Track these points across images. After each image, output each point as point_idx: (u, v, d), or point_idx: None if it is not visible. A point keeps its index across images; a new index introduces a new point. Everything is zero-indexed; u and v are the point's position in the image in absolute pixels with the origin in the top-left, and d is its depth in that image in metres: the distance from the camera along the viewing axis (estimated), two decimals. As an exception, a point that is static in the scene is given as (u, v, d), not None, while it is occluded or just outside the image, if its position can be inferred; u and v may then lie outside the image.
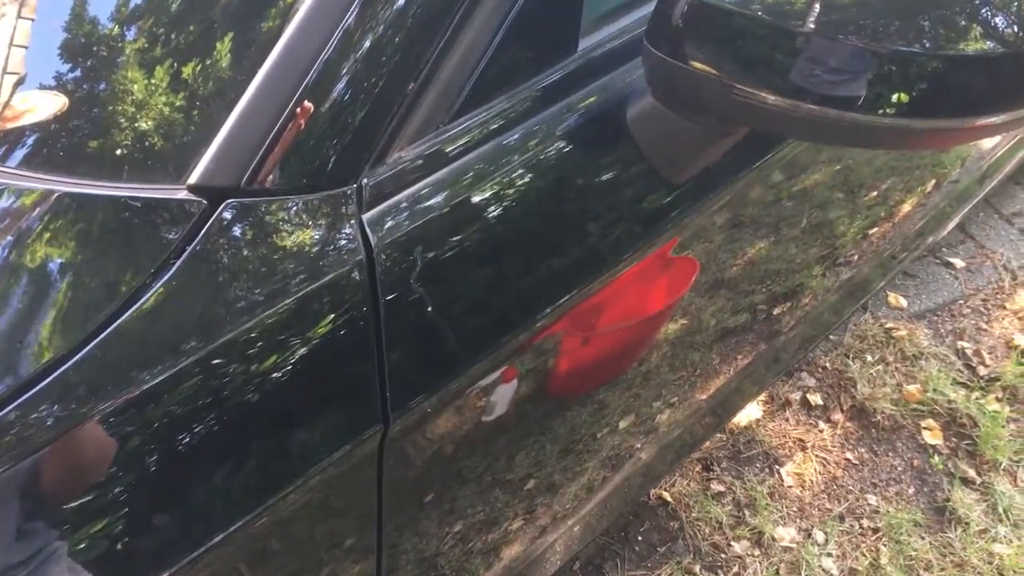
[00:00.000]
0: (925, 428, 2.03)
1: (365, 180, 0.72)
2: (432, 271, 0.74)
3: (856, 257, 1.46)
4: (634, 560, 1.81)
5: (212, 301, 0.63)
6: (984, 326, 2.25)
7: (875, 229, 1.43)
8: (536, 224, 0.80)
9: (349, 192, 0.71)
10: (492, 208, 0.77)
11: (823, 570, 1.79)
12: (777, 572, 1.79)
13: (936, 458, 1.98)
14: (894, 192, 1.41)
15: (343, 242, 0.69)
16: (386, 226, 0.72)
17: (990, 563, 1.79)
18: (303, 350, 0.66)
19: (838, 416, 2.05)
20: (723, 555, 1.81)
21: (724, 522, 1.85)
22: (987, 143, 1.70)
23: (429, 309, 0.73)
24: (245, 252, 0.66)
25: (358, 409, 0.71)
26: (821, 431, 2.03)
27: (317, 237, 0.68)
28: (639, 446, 1.21)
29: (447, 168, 0.76)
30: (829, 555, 1.82)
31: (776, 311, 1.31)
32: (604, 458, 1.15)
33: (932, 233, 1.86)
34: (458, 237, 0.75)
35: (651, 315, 1.04)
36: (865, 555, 1.82)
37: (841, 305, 1.60)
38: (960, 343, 2.20)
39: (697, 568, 1.79)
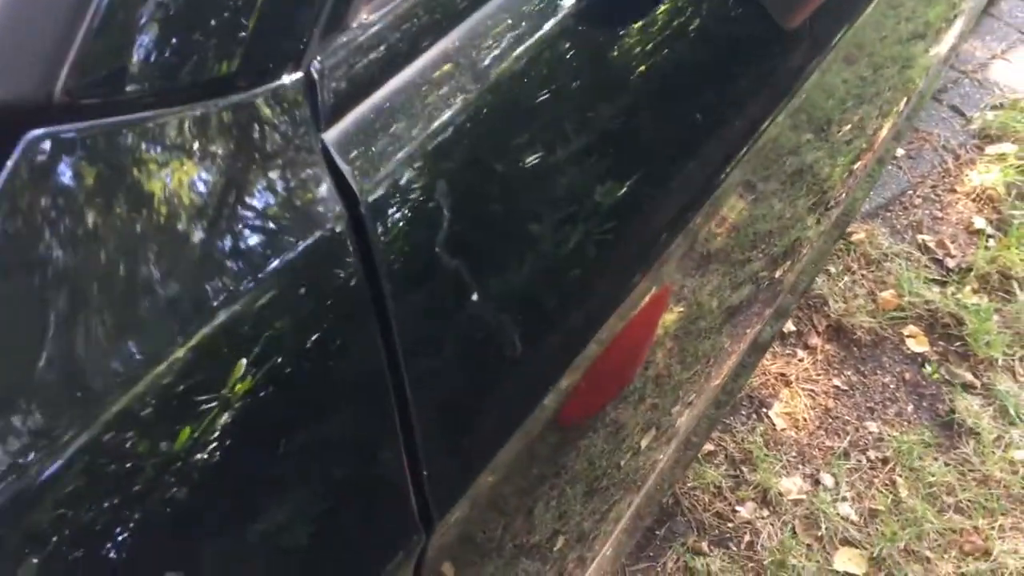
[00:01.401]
0: (908, 336, 1.86)
1: (317, 65, 0.42)
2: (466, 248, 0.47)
3: (844, 195, 1.27)
4: (633, 552, 1.57)
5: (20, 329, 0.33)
6: (939, 214, 2.10)
7: (859, 163, 1.25)
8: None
9: (288, 90, 0.41)
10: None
11: (842, 517, 1.61)
12: (793, 530, 1.60)
13: (928, 367, 1.82)
14: (870, 120, 1.22)
15: (299, 190, 0.40)
16: (370, 151, 0.45)
17: (1014, 472, 1.64)
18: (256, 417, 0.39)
19: (815, 340, 1.86)
20: (729, 523, 1.60)
21: (723, 485, 1.64)
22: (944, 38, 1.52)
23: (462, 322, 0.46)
24: (68, 227, 0.35)
25: (391, 520, 0.45)
26: (801, 360, 1.84)
27: (216, 180, 0.39)
28: (662, 457, 0.96)
29: (460, 28, 0.48)
30: (844, 499, 1.63)
31: (778, 273, 1.09)
32: (629, 483, 0.90)
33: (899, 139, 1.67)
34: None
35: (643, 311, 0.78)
36: (881, 491, 1.64)
37: (831, 239, 1.40)
38: (920, 236, 2.04)
39: (704, 545, 1.58)
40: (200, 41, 0.38)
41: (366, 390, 0.43)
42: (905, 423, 1.74)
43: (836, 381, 1.81)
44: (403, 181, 0.45)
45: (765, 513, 1.62)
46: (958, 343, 1.84)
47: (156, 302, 0.35)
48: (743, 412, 1.75)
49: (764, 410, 1.76)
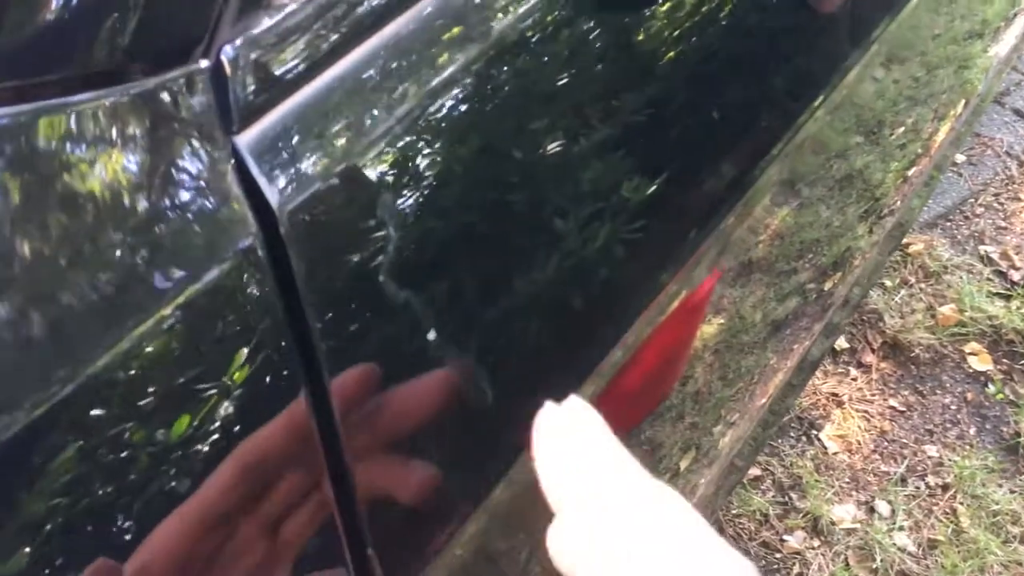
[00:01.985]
0: (971, 353, 1.76)
1: (229, 52, 0.36)
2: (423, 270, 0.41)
3: (899, 203, 1.19)
4: (675, 582, 1.50)
5: None
6: (1003, 223, 1.99)
7: (915, 168, 1.17)
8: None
9: (192, 81, 0.35)
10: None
11: (898, 548, 1.51)
12: (845, 562, 1.51)
13: (991, 386, 1.71)
14: (925, 123, 1.15)
15: (202, 204, 0.34)
16: (293, 157, 0.38)
17: (1088, 502, 1.54)
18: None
19: (870, 358, 1.77)
20: (777, 554, 1.52)
21: (770, 513, 1.56)
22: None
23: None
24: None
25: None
26: (855, 379, 1.74)
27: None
28: (703, 480, 0.90)
29: (417, 7, 0.42)
30: (900, 529, 1.54)
31: (827, 285, 1.02)
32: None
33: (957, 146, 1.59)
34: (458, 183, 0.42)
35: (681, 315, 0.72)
36: (941, 520, 1.54)
37: (886, 250, 1.32)
38: (983, 248, 1.93)
39: (750, 576, 1.49)
40: (79, 20, 0.32)
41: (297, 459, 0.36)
42: (967, 447, 1.64)
43: (892, 401, 1.71)
44: (335, 194, 0.37)
45: (816, 543, 1.53)
46: (1023, 361, 1.73)
47: (28, 331, 0.29)
48: (792, 434, 1.67)
49: (815, 432, 1.67)
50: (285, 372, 0.35)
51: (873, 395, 1.72)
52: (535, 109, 0.46)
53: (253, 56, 0.36)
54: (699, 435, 0.82)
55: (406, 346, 0.40)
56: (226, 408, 0.33)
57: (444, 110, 0.41)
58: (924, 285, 1.86)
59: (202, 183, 0.34)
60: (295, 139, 0.37)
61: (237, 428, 0.33)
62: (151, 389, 0.31)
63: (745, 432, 0.96)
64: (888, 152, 1.03)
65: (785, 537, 1.54)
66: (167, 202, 0.33)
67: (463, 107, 0.42)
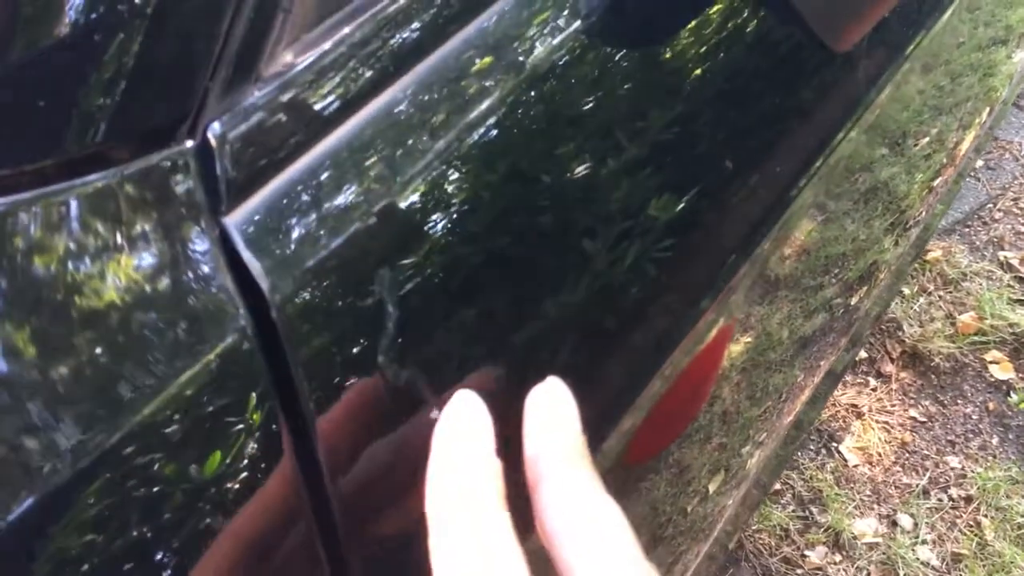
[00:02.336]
0: (992, 362, 1.74)
1: (216, 129, 0.34)
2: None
3: (924, 213, 1.17)
4: (694, 599, 1.48)
5: None
6: (1022, 228, 1.97)
7: (940, 179, 1.15)
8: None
9: (176, 162, 0.33)
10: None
11: (922, 563, 1.49)
12: (868, 577, 1.48)
13: (1014, 395, 1.69)
14: (950, 133, 1.13)
15: (189, 293, 0.32)
16: (286, 238, 0.35)
17: (1116, 514, 1.51)
18: None
19: (889, 368, 1.74)
20: (798, 570, 1.50)
21: (790, 527, 1.54)
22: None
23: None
24: None
25: None
26: (874, 390, 1.72)
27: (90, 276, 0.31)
28: (731, 501, 0.88)
29: (413, 74, 0.40)
30: (923, 542, 1.52)
31: (854, 300, 0.99)
32: (697, 531, 0.82)
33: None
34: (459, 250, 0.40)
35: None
36: (965, 533, 1.52)
37: (908, 260, 1.30)
38: (1002, 253, 1.91)
39: (771, 592, 1.47)
40: (57, 104, 0.30)
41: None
42: (990, 457, 1.62)
43: (913, 412, 1.69)
44: (332, 278, 0.35)
45: (837, 558, 1.51)
46: (1047, 370, 1.71)
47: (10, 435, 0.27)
48: (811, 447, 1.64)
49: (834, 444, 1.65)
50: (283, 487, 0.33)
51: (893, 406, 1.70)
52: (562, 166, 0.44)
53: (242, 130, 0.34)
54: (728, 456, 0.80)
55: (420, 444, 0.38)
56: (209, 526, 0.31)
57: (454, 177, 0.40)
58: (943, 293, 1.84)
59: (188, 271, 0.32)
60: (289, 218, 0.35)
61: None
62: (118, 504, 0.29)
63: (772, 450, 0.94)
64: (913, 163, 1.01)
65: (806, 552, 1.51)
66: (148, 294, 0.31)
67: (473, 173, 0.40)
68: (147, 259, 0.31)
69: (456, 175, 0.39)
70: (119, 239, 0.31)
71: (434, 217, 0.38)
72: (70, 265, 0.30)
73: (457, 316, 0.39)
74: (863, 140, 0.75)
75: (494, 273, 0.41)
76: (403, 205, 0.37)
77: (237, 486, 0.31)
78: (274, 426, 0.32)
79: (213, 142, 0.33)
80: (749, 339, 0.77)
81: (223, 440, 0.31)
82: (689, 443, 0.74)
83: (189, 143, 0.33)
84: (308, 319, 0.34)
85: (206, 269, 0.32)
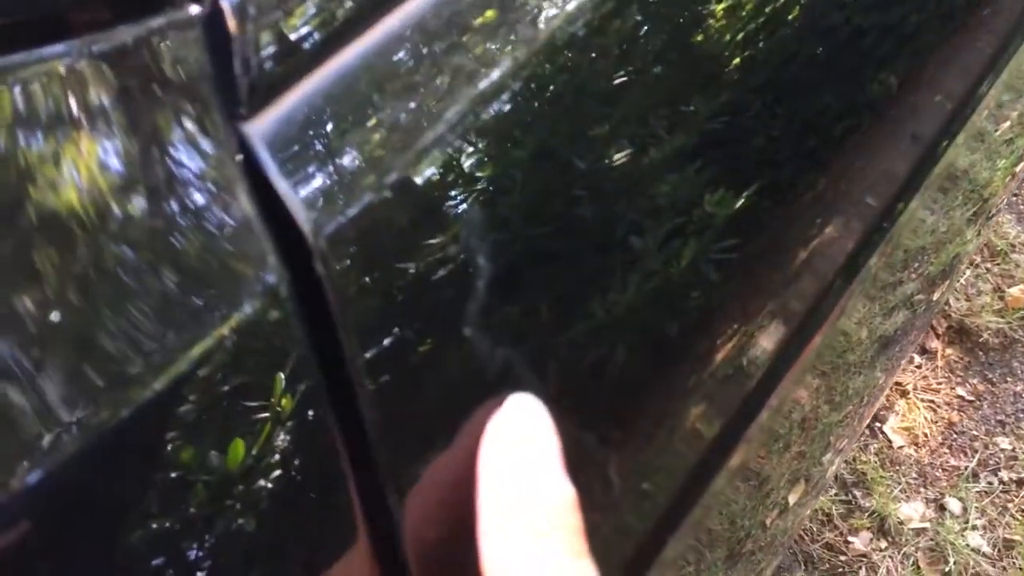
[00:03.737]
0: (1043, 338, 1.68)
1: None
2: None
3: (1005, 201, 1.11)
4: (734, 588, 1.44)
5: None
6: (1072, 195, 1.90)
7: (1022, 164, 1.09)
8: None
9: (177, 29, 0.24)
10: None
11: (972, 549, 1.45)
12: (916, 565, 1.44)
13: (1066, 373, 1.64)
14: None
15: (198, 222, 0.23)
16: (333, 158, 0.26)
17: None
18: None
19: (935, 344, 1.69)
20: (842, 556, 1.46)
21: (833, 512, 1.49)
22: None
23: None
24: None
25: None
26: (919, 367, 1.67)
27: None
28: (808, 512, 0.83)
29: None
30: (973, 528, 1.47)
31: (936, 295, 0.93)
32: (776, 544, 0.77)
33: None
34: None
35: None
36: (1017, 518, 1.47)
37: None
38: (1052, 222, 1.85)
39: (814, 580, 1.43)
40: None
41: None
42: (1042, 439, 1.57)
43: (960, 391, 1.64)
44: (393, 210, 0.27)
45: (883, 544, 1.47)
46: (1102, 346, 1.66)
47: None
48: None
49: (878, 425, 1.60)
50: (327, 472, 0.26)
51: (939, 384, 1.64)
52: (624, 96, 0.37)
53: (267, 5, 0.25)
54: (808, 465, 0.75)
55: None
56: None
57: (513, 94, 0.32)
58: (991, 265, 1.78)
59: (192, 199, 0.23)
60: (332, 128, 0.26)
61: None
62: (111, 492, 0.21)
63: (849, 454, 0.89)
64: (994, 149, 0.95)
65: (850, 538, 1.47)
66: (135, 231, 0.22)
67: (543, 97, 0.33)
68: (130, 179, 0.23)
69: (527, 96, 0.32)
70: (88, 146, 0.22)
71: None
72: (22, 177, 0.21)
73: (495, 312, 0.32)
74: (966, 142, 0.69)
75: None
76: (478, 115, 0.30)
77: (263, 488, 0.24)
78: (313, 414, 0.25)
79: (228, 12, 0.24)
80: (827, 341, 0.71)
81: (244, 430, 0.24)
82: (768, 453, 0.69)
83: (194, 8, 0.24)
84: (361, 264, 0.26)
85: (219, 197, 0.23)
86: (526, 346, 0.31)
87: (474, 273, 0.29)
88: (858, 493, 1.52)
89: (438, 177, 0.28)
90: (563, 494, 0.26)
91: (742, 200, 0.43)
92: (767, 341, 0.44)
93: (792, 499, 0.75)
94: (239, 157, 0.24)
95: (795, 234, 0.46)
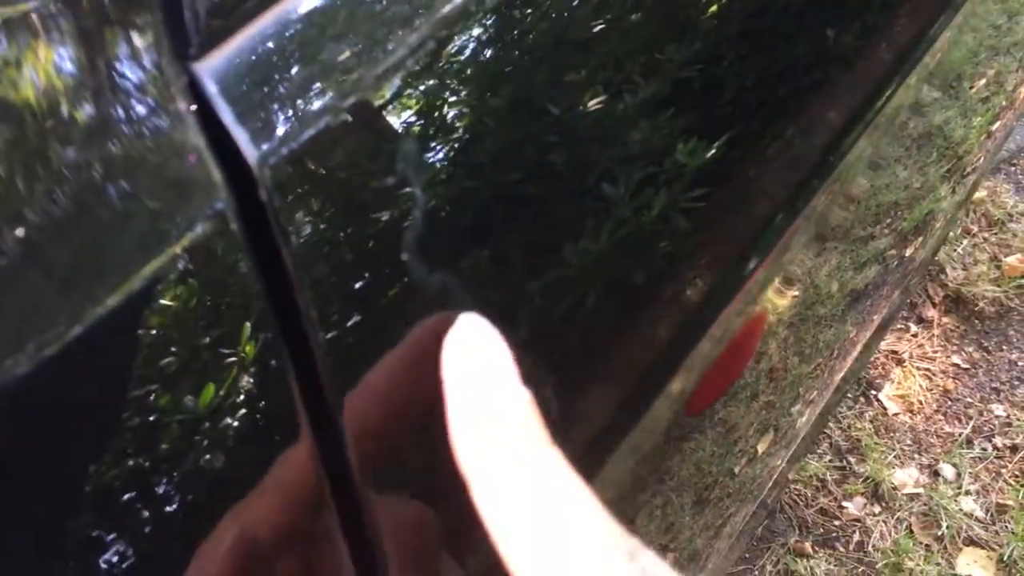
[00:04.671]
0: (1039, 306, 1.70)
1: None
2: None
3: (982, 160, 1.12)
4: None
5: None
6: (1072, 165, 1.91)
7: (999, 123, 1.10)
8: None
9: None
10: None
11: (965, 514, 1.47)
12: (909, 529, 1.47)
13: (1062, 341, 1.66)
14: (1008, 74, 1.08)
15: (148, 157, 0.25)
16: (284, 94, 0.28)
17: None
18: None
19: (931, 313, 1.71)
20: (836, 521, 1.48)
21: (827, 478, 1.52)
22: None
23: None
24: None
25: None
26: (915, 336, 1.69)
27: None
28: (779, 462, 0.85)
29: None
30: (967, 493, 1.50)
31: (908, 251, 0.95)
32: (745, 492, 0.80)
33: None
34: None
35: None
36: (1010, 484, 1.50)
37: (959, 205, 1.26)
38: (1050, 191, 1.86)
39: (808, 545, 1.46)
40: None
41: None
42: (1037, 406, 1.59)
43: (956, 359, 1.66)
44: (335, 143, 0.29)
45: (877, 509, 1.49)
46: (1098, 314, 1.67)
47: None
48: (849, 395, 1.62)
49: (873, 392, 1.62)
50: (272, 398, 0.28)
51: (935, 352, 1.67)
52: (585, 36, 0.39)
53: None
54: (776, 415, 0.78)
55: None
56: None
57: (477, 33, 0.34)
58: (988, 234, 1.79)
59: (145, 131, 0.25)
60: (279, 63, 0.28)
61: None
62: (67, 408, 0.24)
63: (822, 407, 0.92)
64: (969, 107, 0.97)
65: (844, 503, 1.50)
66: (94, 161, 0.24)
67: (502, 33, 0.35)
68: (81, 115, 0.24)
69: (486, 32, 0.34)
70: (39, 81, 0.24)
71: (453, 73, 0.33)
72: None
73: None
74: (917, 85, 0.71)
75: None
76: (423, 56, 0.32)
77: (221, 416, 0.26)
78: (270, 357, 0.27)
79: None
80: (796, 293, 0.74)
81: (197, 356, 0.26)
82: (735, 402, 0.72)
83: None
84: (303, 196, 0.28)
85: (170, 130, 0.25)
86: (463, 275, 0.34)
87: (416, 204, 0.32)
88: (852, 459, 1.55)
89: (391, 113, 0.31)
90: (522, 395, 0.28)
91: (712, 149, 0.46)
92: (709, 274, 0.47)
93: (760, 448, 0.78)
94: (191, 105, 0.26)
95: (756, 179, 0.49)
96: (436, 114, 0.33)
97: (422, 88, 0.32)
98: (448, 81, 0.33)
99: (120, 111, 0.25)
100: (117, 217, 0.24)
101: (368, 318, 0.30)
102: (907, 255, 0.93)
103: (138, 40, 0.26)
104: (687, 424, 0.62)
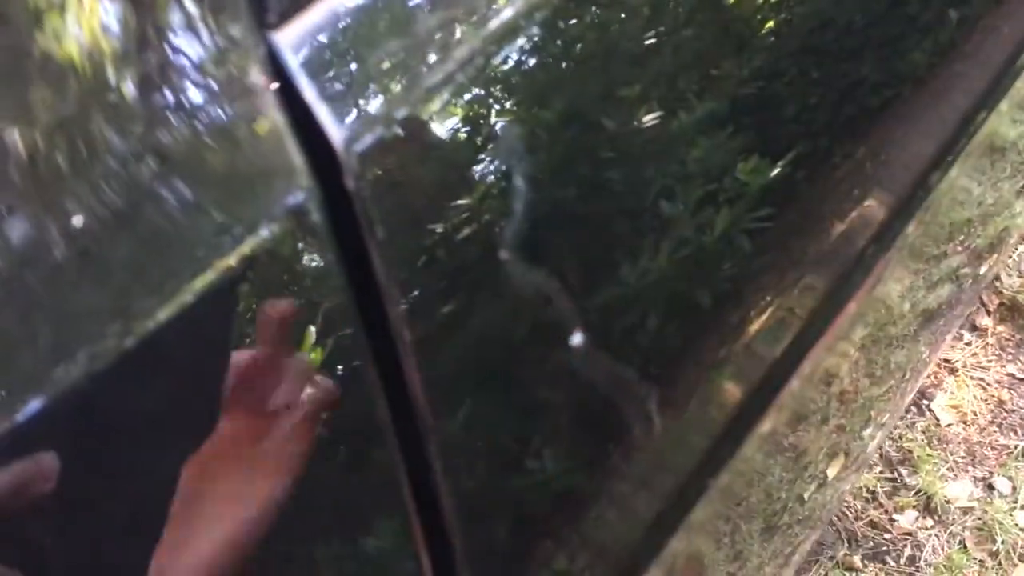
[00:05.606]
0: (1098, 315, 1.66)
1: None
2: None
3: None
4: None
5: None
6: None
7: None
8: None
9: None
10: None
11: (1021, 529, 1.44)
12: (962, 544, 1.44)
13: (1122, 351, 1.62)
14: None
15: (230, 135, 0.23)
16: (375, 75, 0.26)
17: None
18: None
19: (985, 321, 1.68)
20: (886, 535, 1.46)
21: (878, 490, 1.49)
22: None
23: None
24: None
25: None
26: (969, 344, 1.66)
27: None
28: (848, 487, 0.84)
29: None
30: (1023, 507, 1.47)
31: (983, 269, 0.93)
32: (815, 518, 0.78)
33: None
34: None
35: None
36: (1068, 499, 1.47)
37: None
38: (1110, 196, 1.81)
39: (857, 559, 1.44)
40: None
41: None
42: (1096, 418, 1.55)
43: (1011, 368, 1.63)
44: (428, 131, 0.27)
45: (929, 523, 1.47)
46: None
47: None
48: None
49: (926, 402, 1.59)
50: (358, 396, 0.26)
51: (989, 361, 1.64)
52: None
53: None
54: (847, 439, 0.76)
55: (532, 347, 0.32)
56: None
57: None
58: (1045, 239, 1.76)
59: (220, 108, 0.23)
60: (368, 40, 0.26)
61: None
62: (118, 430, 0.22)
63: (895, 432, 0.90)
64: None
65: (895, 516, 1.47)
66: (164, 138, 0.22)
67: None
68: (155, 85, 0.22)
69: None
70: (112, 50, 0.21)
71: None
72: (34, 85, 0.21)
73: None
74: (1010, 110, 0.69)
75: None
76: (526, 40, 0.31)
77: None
78: (347, 329, 0.25)
79: None
80: (870, 316, 0.72)
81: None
82: (806, 426, 0.70)
83: None
84: (392, 184, 0.25)
85: (247, 107, 0.23)
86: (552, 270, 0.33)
87: (512, 197, 0.30)
88: (904, 471, 1.52)
89: (491, 100, 0.29)
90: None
91: (776, 169, 0.44)
92: (798, 309, 0.45)
93: (831, 473, 0.76)
94: (268, 67, 0.24)
95: (828, 203, 0.47)
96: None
97: (518, 73, 0.30)
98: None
99: (188, 87, 0.23)
100: (186, 209, 0.22)
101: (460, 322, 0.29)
102: (981, 273, 0.91)
103: (209, 3, 0.24)
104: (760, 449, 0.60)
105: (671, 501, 0.46)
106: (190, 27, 0.23)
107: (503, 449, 0.33)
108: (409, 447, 0.29)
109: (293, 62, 0.24)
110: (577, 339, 0.34)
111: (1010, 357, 1.64)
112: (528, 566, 0.38)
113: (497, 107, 0.30)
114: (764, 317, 0.47)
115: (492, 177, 0.30)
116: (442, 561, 0.31)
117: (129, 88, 0.22)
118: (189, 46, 0.23)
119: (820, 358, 0.49)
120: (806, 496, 0.74)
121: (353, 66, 0.25)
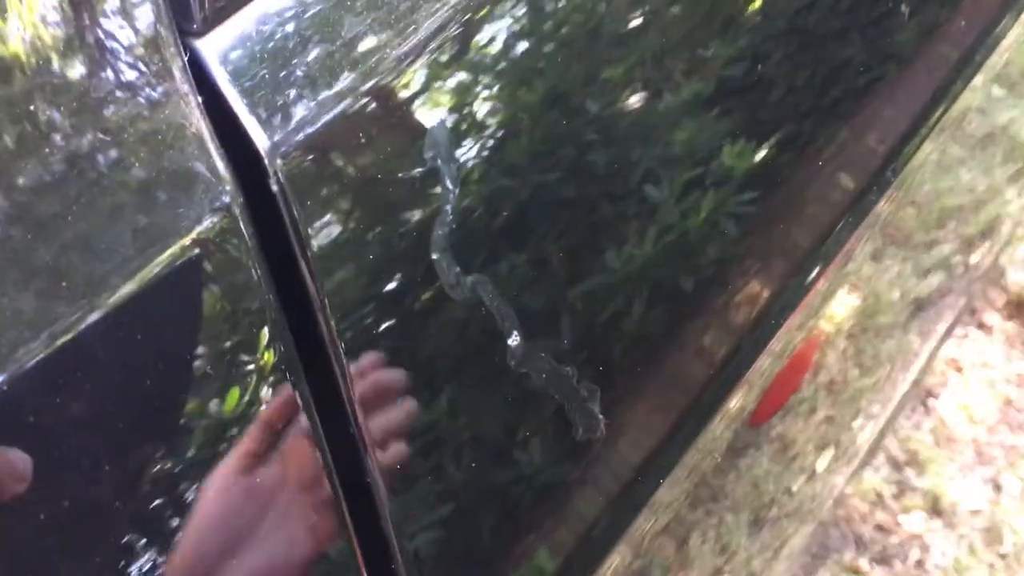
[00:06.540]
0: (1107, 311, 1.65)
1: None
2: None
3: None
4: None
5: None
6: None
7: None
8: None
9: None
10: None
11: (1031, 531, 1.42)
12: (971, 546, 1.42)
13: None
14: None
15: (147, 143, 0.23)
16: (297, 77, 0.26)
17: None
18: None
19: (992, 318, 1.66)
20: (893, 537, 1.44)
21: (884, 492, 1.48)
22: None
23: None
24: None
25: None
26: (975, 342, 1.64)
27: None
28: (841, 480, 0.83)
29: None
30: (1032, 509, 1.45)
31: (974, 257, 0.92)
32: (805, 511, 0.77)
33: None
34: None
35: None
36: (1079, 499, 1.45)
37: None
38: (1118, 190, 1.80)
39: (864, 562, 1.42)
40: None
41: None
42: (1106, 416, 1.54)
43: (1018, 366, 1.61)
44: (353, 131, 0.26)
45: (936, 525, 1.45)
46: None
47: None
48: (906, 404, 1.58)
49: (932, 401, 1.58)
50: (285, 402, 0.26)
51: (997, 359, 1.62)
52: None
53: None
54: (837, 430, 0.75)
55: (474, 356, 0.32)
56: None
57: (502, 22, 0.32)
58: (1052, 234, 1.74)
59: (143, 113, 0.23)
60: (290, 44, 0.26)
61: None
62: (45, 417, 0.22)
63: (885, 422, 0.89)
64: None
65: (902, 519, 1.46)
66: (89, 144, 0.22)
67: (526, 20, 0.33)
68: (80, 92, 0.22)
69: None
70: (43, 60, 0.22)
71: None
72: None
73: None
74: (984, 85, 0.68)
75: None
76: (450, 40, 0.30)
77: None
78: (283, 368, 0.25)
79: None
80: (856, 302, 0.71)
81: (200, 355, 0.24)
82: (793, 416, 0.69)
83: None
84: (318, 187, 0.26)
85: (170, 111, 0.23)
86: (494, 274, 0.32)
87: (447, 201, 0.30)
88: (911, 472, 1.50)
89: (404, 99, 0.29)
90: None
91: (760, 150, 0.44)
92: (765, 286, 0.44)
93: (820, 465, 0.75)
94: (189, 73, 0.24)
95: (800, 180, 0.46)
96: (466, 109, 0.31)
97: (449, 76, 0.30)
98: (478, 74, 0.31)
99: (109, 92, 0.23)
100: (107, 214, 0.22)
101: (393, 324, 0.29)
102: (973, 262, 0.90)
103: (132, 10, 0.24)
104: (743, 439, 0.60)
105: (648, 484, 0.45)
106: (110, 36, 0.23)
107: (472, 443, 0.33)
108: (342, 454, 0.29)
109: (217, 68, 0.24)
110: (514, 341, 0.33)
111: (1018, 355, 1.63)
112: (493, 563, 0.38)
113: (425, 108, 0.30)
114: (738, 297, 0.46)
115: (420, 177, 0.29)
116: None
117: (47, 94, 0.22)
118: (109, 54, 0.23)
119: (790, 336, 0.48)
120: (794, 488, 0.73)
121: (278, 71, 0.25)
